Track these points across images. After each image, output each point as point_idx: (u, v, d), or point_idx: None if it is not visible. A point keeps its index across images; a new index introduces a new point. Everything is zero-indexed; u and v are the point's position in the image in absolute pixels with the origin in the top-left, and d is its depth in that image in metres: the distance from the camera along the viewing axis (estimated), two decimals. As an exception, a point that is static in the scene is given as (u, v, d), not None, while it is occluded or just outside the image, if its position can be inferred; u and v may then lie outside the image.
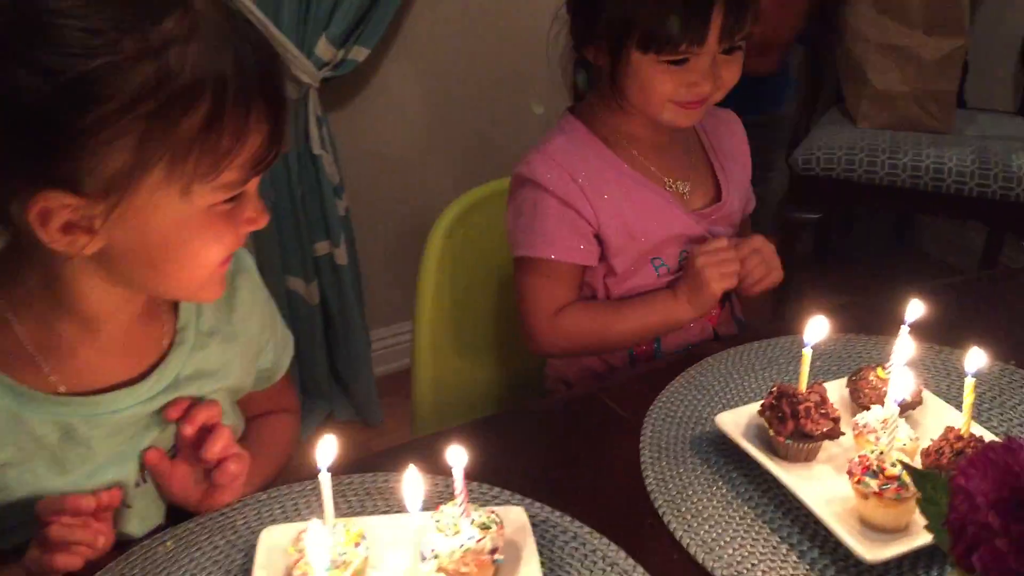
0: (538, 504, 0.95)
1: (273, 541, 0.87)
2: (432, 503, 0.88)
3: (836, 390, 1.09)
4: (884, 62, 2.58)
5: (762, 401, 1.02)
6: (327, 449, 0.82)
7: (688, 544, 0.91)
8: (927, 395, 1.07)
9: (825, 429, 0.98)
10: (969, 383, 0.93)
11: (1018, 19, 2.76)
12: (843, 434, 0.99)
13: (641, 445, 1.05)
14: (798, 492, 0.93)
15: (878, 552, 0.85)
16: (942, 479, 0.68)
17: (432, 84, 2.45)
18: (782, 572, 0.88)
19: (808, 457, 0.99)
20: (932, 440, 0.95)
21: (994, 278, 1.85)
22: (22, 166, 0.75)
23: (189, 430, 0.91)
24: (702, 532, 0.92)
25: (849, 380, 1.09)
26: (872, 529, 0.89)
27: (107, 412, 0.89)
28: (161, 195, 0.78)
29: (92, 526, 0.85)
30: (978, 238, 2.87)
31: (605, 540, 0.91)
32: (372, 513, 0.94)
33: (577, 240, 1.26)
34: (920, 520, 0.89)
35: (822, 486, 0.95)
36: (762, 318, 1.38)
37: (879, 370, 1.06)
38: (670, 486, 0.99)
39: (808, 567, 0.88)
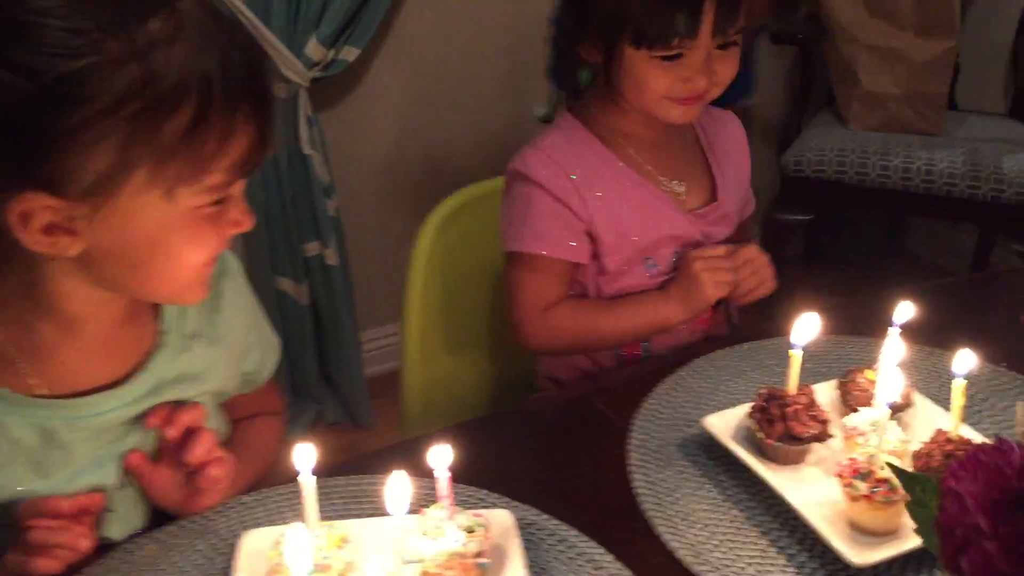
0: (525, 507, 0.94)
1: (255, 545, 0.86)
2: (418, 506, 0.87)
3: (826, 392, 1.08)
4: (875, 63, 2.58)
5: (751, 403, 1.01)
6: (306, 455, 0.81)
7: (676, 548, 0.90)
8: (917, 397, 1.07)
9: (814, 431, 0.97)
10: (959, 386, 0.93)
11: (1009, 21, 2.76)
12: (832, 436, 0.99)
13: (629, 447, 1.04)
14: (787, 495, 0.92)
15: (867, 556, 0.85)
16: (931, 482, 0.68)
17: (423, 84, 2.44)
18: (770, 576, 0.87)
19: (797, 460, 0.98)
20: (922, 443, 0.95)
21: (984, 280, 1.85)
22: (3, 167, 0.74)
23: (172, 433, 0.90)
24: (690, 535, 0.92)
25: (839, 382, 1.08)
26: (861, 532, 0.89)
27: (88, 415, 0.88)
28: (144, 197, 0.77)
29: (73, 529, 0.84)
30: (969, 240, 2.88)
31: (592, 543, 0.90)
32: (357, 516, 0.93)
33: (569, 237, 1.25)
34: (909, 523, 0.89)
35: (811, 489, 0.94)
36: (753, 318, 1.37)
37: (869, 372, 1.06)
38: (658, 489, 0.98)
39: (796, 570, 0.87)
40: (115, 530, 0.92)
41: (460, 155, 2.55)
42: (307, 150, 2.15)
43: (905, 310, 1.03)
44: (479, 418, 1.14)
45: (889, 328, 1.02)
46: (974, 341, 1.00)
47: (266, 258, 2.26)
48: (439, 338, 1.45)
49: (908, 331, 1.02)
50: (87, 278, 0.83)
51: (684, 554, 0.89)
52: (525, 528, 0.90)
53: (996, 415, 1.09)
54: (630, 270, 1.29)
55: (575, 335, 1.30)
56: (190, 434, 0.90)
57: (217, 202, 0.81)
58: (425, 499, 0.94)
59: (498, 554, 0.86)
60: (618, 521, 0.94)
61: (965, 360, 0.94)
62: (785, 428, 0.96)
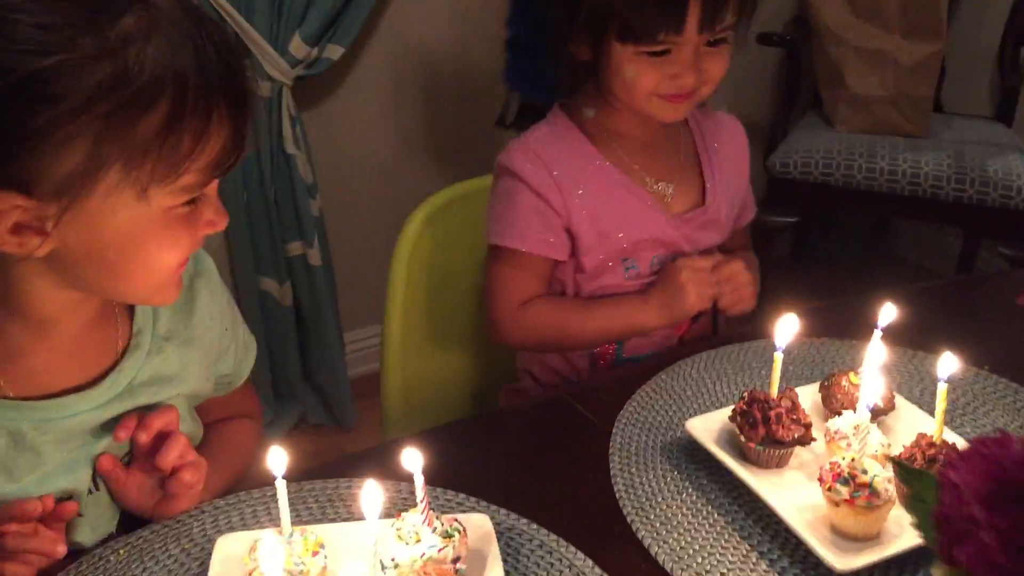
0: (503, 511, 0.93)
1: (229, 550, 0.85)
2: (395, 510, 0.86)
3: (809, 395, 1.07)
4: (861, 66, 2.58)
5: (733, 406, 1.00)
6: (278, 458, 0.79)
7: (656, 552, 0.89)
8: (900, 400, 1.06)
9: (797, 435, 0.96)
10: (941, 389, 0.92)
11: (995, 24, 2.77)
12: (815, 440, 0.98)
13: (610, 451, 1.03)
14: (769, 499, 0.91)
15: (848, 561, 0.84)
16: (930, 476, 0.67)
17: (407, 84, 2.42)
18: (751, 581, 0.86)
19: (779, 463, 0.98)
20: (904, 446, 0.94)
21: (969, 282, 1.85)
22: None
23: (144, 438, 0.88)
24: (671, 540, 0.91)
25: (821, 385, 1.07)
26: (843, 537, 0.88)
27: (58, 418, 0.86)
28: (116, 197, 0.75)
29: (46, 535, 0.82)
30: (955, 242, 2.88)
31: (572, 548, 0.89)
32: (333, 520, 0.92)
33: (547, 233, 1.25)
34: (891, 528, 0.89)
35: (793, 493, 0.93)
36: (736, 321, 1.36)
37: (851, 375, 1.05)
38: (639, 493, 0.97)
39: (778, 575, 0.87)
40: (86, 535, 0.90)
41: (444, 155, 2.54)
42: (290, 149, 2.14)
43: (888, 313, 1.03)
44: (458, 421, 1.12)
45: (873, 331, 1.01)
46: (958, 344, 0.99)
47: (249, 258, 2.24)
48: (421, 338, 1.44)
49: (892, 334, 1.01)
50: (57, 278, 0.82)
51: (665, 559, 0.88)
52: (503, 533, 0.89)
53: (979, 419, 1.08)
54: (608, 270, 1.28)
55: (550, 332, 1.29)
56: (162, 438, 0.89)
57: (191, 202, 0.80)
58: (403, 503, 0.93)
59: (476, 559, 0.84)
60: (599, 526, 0.93)
61: (947, 364, 0.94)
62: (767, 432, 0.95)
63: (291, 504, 0.83)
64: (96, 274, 0.81)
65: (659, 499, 0.96)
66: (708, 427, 1.01)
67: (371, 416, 2.38)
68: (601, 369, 1.35)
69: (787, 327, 1.00)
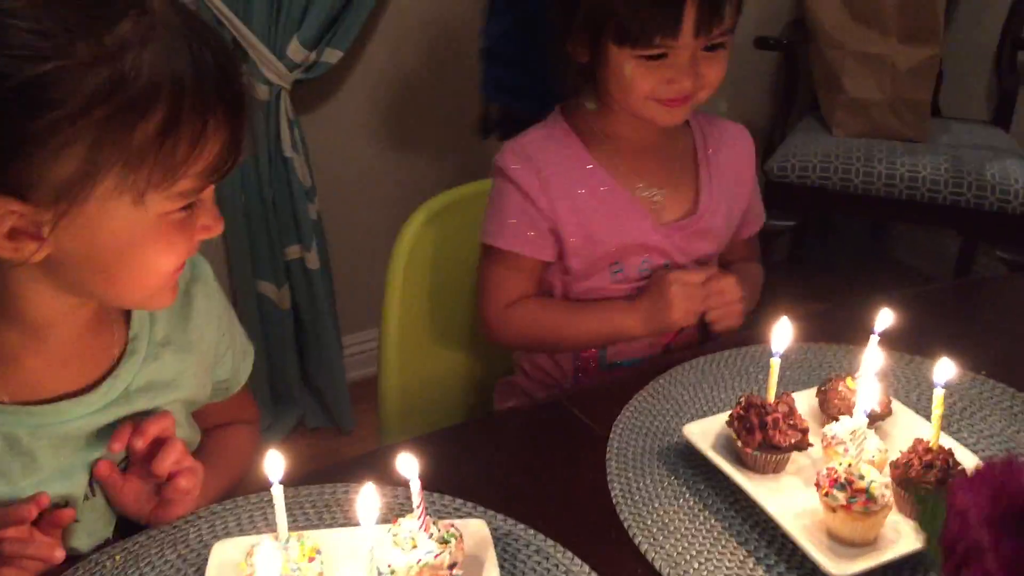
0: (500, 516, 0.93)
1: (225, 555, 0.84)
2: (391, 515, 0.86)
3: (805, 400, 1.07)
4: (859, 70, 2.58)
5: (730, 411, 1.00)
6: (275, 464, 0.79)
7: (653, 558, 0.89)
8: (897, 406, 1.06)
9: (793, 440, 0.96)
10: (938, 395, 0.92)
11: (992, 28, 2.77)
12: (811, 445, 0.98)
13: (607, 456, 1.03)
14: (766, 505, 0.91)
15: (845, 567, 0.84)
16: (940, 499, 0.67)
17: (405, 87, 2.42)
18: (748, 587, 0.86)
19: (776, 469, 0.98)
20: (901, 452, 0.94)
21: (966, 287, 1.85)
22: None
23: (140, 444, 0.87)
24: (667, 546, 0.90)
25: (818, 390, 1.07)
26: (840, 543, 0.88)
27: (54, 423, 0.86)
28: (113, 203, 0.75)
29: (44, 540, 0.82)
30: (952, 246, 2.88)
31: (569, 554, 0.89)
32: (330, 526, 0.92)
33: (532, 234, 1.26)
34: (888, 534, 0.89)
35: (790, 498, 0.93)
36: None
37: (848, 380, 1.05)
38: (636, 498, 0.97)
39: (774, 582, 0.87)
40: (82, 541, 0.90)
41: (442, 158, 2.54)
42: (288, 153, 2.14)
43: (885, 318, 1.03)
44: (455, 425, 1.13)
45: (869, 335, 1.01)
46: (955, 349, 0.99)
47: (247, 262, 2.24)
48: (418, 342, 1.44)
49: (889, 339, 1.01)
50: (53, 283, 0.82)
51: (662, 564, 0.88)
52: (500, 539, 0.89)
53: (976, 424, 1.08)
54: (595, 273, 1.29)
55: (536, 333, 1.31)
56: (159, 444, 0.88)
57: (187, 207, 0.80)
58: (400, 508, 0.93)
59: (473, 565, 0.84)
60: (596, 531, 0.93)
61: (945, 370, 0.94)
62: (764, 437, 0.95)
63: (288, 509, 0.83)
64: (92, 279, 0.81)
65: (656, 504, 0.96)
66: (705, 432, 1.01)
67: (369, 419, 2.36)
68: (586, 371, 1.35)
69: (784, 332, 1.00)
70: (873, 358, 0.96)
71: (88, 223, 0.75)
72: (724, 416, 1.01)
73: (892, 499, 0.88)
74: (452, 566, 0.80)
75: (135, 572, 0.86)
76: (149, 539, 0.90)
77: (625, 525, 0.93)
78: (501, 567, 0.85)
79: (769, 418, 0.96)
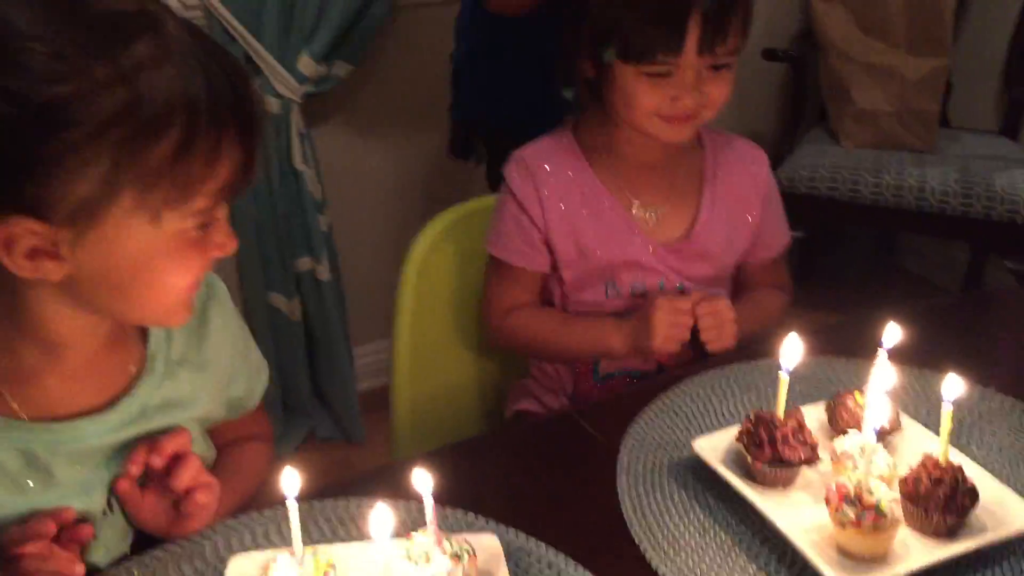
0: (512, 531, 0.93)
1: (241, 570, 0.85)
2: (405, 530, 0.87)
3: (814, 415, 1.08)
4: (867, 81, 2.59)
5: (740, 426, 1.01)
6: (291, 480, 0.80)
7: (664, 572, 0.89)
8: (906, 420, 1.07)
9: (803, 455, 0.97)
10: (947, 411, 0.92)
11: (1000, 39, 2.77)
12: (821, 460, 0.99)
13: (618, 470, 1.03)
14: (775, 520, 0.92)
15: (855, 582, 0.84)
16: None
17: (415, 100, 2.44)
18: (758, 602, 0.87)
19: (786, 483, 0.98)
20: (910, 467, 0.94)
21: (975, 300, 1.85)
22: None
23: (158, 461, 0.89)
24: (678, 560, 0.91)
25: (827, 405, 1.08)
26: (850, 558, 0.88)
27: (71, 440, 0.87)
28: (130, 222, 0.76)
29: (61, 556, 0.83)
30: (962, 256, 2.88)
31: (581, 569, 0.89)
32: (344, 540, 0.92)
33: (525, 244, 1.29)
34: (897, 550, 0.89)
35: (800, 513, 0.94)
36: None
37: (857, 395, 1.05)
38: (646, 512, 0.97)
39: (785, 597, 0.87)
40: (100, 556, 0.91)
41: (453, 171, 2.55)
42: (299, 166, 2.15)
43: (893, 333, 1.03)
44: (467, 440, 1.13)
45: (878, 349, 1.02)
46: (964, 363, 1.00)
47: (258, 274, 2.25)
48: (430, 353, 1.45)
49: (898, 353, 1.02)
50: (70, 302, 0.83)
51: (672, 579, 0.89)
52: (512, 553, 0.90)
53: (985, 438, 1.09)
54: (589, 286, 1.31)
55: (529, 342, 1.34)
56: (176, 460, 0.90)
57: (202, 226, 0.81)
58: (413, 523, 0.93)
59: (485, 580, 0.85)
60: (606, 545, 0.94)
61: (953, 385, 0.94)
62: (774, 452, 0.96)
63: (302, 524, 0.83)
64: (109, 297, 0.82)
65: (666, 518, 0.97)
66: (715, 447, 1.02)
67: (380, 430, 2.36)
68: (581, 381, 1.37)
69: (792, 348, 1.00)
70: (882, 374, 0.97)
71: (105, 242, 0.77)
72: (733, 431, 1.01)
73: (902, 514, 0.88)
74: (465, 581, 0.81)
75: (152, 586, 0.87)
76: (166, 554, 0.91)
77: (636, 539, 0.94)
78: (513, 582, 0.86)
79: (778, 433, 0.96)
